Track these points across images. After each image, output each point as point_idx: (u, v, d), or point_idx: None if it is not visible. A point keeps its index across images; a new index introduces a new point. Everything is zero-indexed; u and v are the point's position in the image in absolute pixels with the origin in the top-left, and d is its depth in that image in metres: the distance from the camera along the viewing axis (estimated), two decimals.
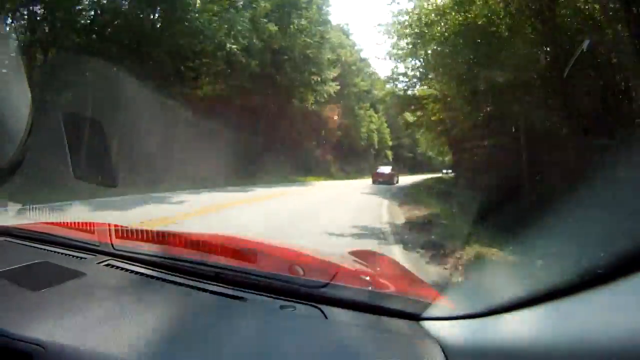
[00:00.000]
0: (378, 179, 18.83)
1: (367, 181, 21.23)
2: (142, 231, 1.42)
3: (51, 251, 1.34)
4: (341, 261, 1.48)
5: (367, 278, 1.27)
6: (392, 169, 20.87)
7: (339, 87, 25.97)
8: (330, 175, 27.78)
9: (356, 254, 1.68)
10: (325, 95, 24.68)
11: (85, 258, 1.27)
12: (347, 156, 33.65)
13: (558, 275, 0.60)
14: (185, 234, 1.46)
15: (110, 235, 1.35)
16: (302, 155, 26.20)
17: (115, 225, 1.42)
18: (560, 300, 0.58)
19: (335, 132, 32.30)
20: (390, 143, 42.78)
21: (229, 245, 1.31)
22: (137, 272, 1.17)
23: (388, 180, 18.55)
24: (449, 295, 1.04)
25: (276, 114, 22.37)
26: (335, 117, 30.80)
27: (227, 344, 0.79)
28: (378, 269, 1.58)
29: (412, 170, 44.62)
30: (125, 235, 1.39)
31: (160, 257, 1.25)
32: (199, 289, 1.07)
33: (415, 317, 0.96)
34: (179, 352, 0.74)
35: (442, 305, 0.99)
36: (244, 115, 18.89)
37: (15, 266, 1.12)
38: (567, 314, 0.56)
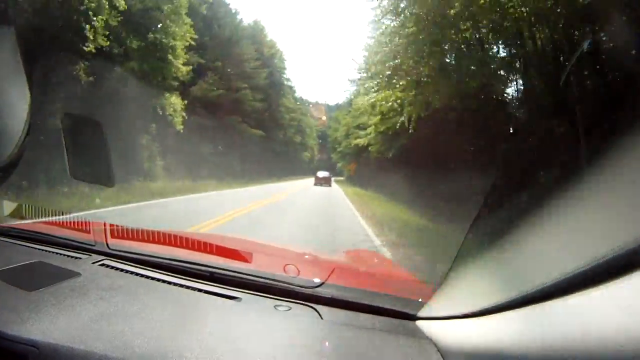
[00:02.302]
0: (320, 182, 22.36)
1: None
2: (137, 231, 1.41)
3: (46, 251, 1.33)
4: (336, 261, 1.48)
5: (363, 278, 1.27)
6: (329, 174, 24.91)
7: None
8: None
9: (352, 253, 1.69)
10: None
11: (80, 258, 1.27)
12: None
13: (554, 275, 0.59)
14: (180, 233, 1.46)
15: (105, 234, 1.34)
16: None
17: (111, 225, 1.41)
18: (557, 300, 0.58)
19: None
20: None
21: (224, 245, 1.31)
22: (132, 272, 1.17)
23: (327, 182, 22.57)
24: (444, 295, 1.04)
25: None
26: None
27: (222, 344, 0.78)
28: (374, 268, 1.58)
29: (279, 175, 27.68)
30: (120, 234, 1.39)
31: (156, 257, 1.24)
32: (193, 289, 1.07)
33: (411, 317, 0.96)
34: (173, 352, 0.74)
35: (438, 305, 0.99)
36: None
37: (10, 266, 1.11)
38: (564, 314, 0.56)
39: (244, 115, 22.88)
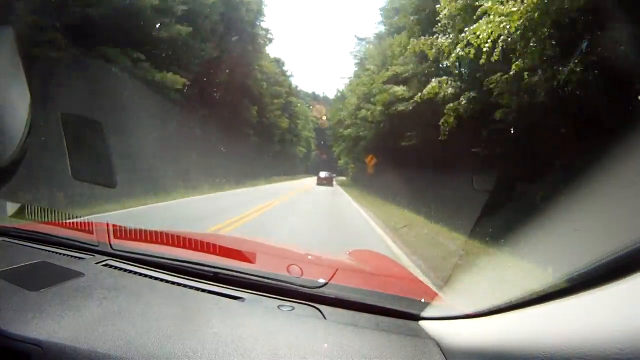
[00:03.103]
0: (322, 182, 24.84)
1: None
2: (140, 231, 1.41)
3: (50, 251, 1.33)
4: (339, 261, 1.48)
5: (366, 278, 1.27)
6: (330, 174, 27.30)
7: None
8: None
9: (355, 254, 1.69)
10: None
11: (83, 258, 1.27)
12: None
13: (555, 277, 0.60)
14: (183, 234, 1.46)
15: (108, 235, 1.35)
16: None
17: (114, 225, 1.41)
18: (559, 300, 0.58)
19: None
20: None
21: (227, 246, 1.31)
22: (135, 272, 1.17)
23: (329, 183, 25.07)
24: (447, 296, 1.05)
25: None
26: None
27: (226, 344, 0.79)
28: (377, 269, 1.59)
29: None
30: (123, 235, 1.39)
31: (159, 257, 1.25)
32: (197, 289, 1.07)
33: (414, 317, 0.96)
34: (177, 351, 0.74)
35: (441, 305, 0.99)
36: None
37: (14, 266, 1.11)
38: (565, 315, 0.56)
39: (153, 45, 11.11)
